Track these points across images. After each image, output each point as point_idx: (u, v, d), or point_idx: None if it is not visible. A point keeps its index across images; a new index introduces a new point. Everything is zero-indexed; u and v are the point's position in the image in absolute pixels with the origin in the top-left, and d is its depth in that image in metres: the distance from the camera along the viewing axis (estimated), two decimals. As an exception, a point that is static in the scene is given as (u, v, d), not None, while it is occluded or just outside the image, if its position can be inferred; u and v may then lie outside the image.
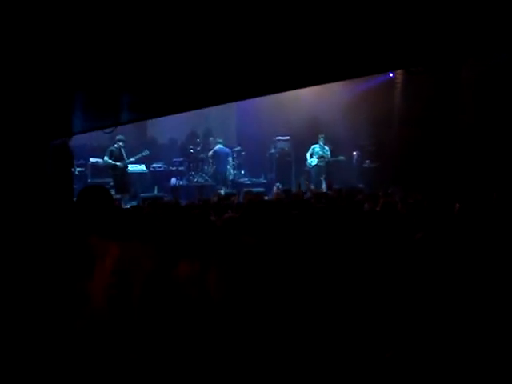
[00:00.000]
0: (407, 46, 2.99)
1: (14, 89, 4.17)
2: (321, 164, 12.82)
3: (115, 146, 11.39)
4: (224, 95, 5.02)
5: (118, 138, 11.28)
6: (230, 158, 13.46)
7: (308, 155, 12.96)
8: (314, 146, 12.93)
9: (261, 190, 12.32)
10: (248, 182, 13.92)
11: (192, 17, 2.44)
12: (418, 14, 2.34)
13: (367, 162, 13.09)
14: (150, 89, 4.51)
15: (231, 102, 7.32)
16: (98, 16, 2.40)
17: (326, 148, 12.89)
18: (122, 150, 11.47)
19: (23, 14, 2.36)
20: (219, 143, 13.29)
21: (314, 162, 12.84)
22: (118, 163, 11.31)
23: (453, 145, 10.34)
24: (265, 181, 14.27)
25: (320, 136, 12.86)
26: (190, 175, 13.53)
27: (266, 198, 9.31)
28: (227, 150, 13.40)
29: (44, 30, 2.59)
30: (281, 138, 14.23)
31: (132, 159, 11.77)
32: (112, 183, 11.31)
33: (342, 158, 12.94)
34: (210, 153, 13.33)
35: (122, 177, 11.39)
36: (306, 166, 13.10)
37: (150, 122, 13.57)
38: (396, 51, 3.14)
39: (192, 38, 2.78)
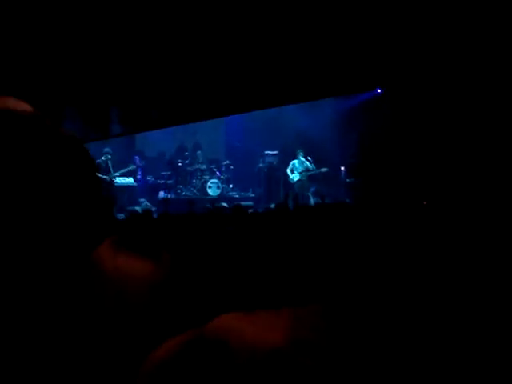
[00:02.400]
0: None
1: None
2: (303, 178, 12.69)
3: (102, 158, 11.27)
4: (213, 110, 5.02)
5: (105, 150, 11.19)
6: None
7: (289, 171, 12.82)
8: (293, 161, 12.82)
9: (249, 203, 12.26)
10: (236, 196, 13.86)
11: (183, 31, 2.42)
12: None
13: (352, 178, 13.00)
14: (139, 102, 4.48)
15: (220, 116, 7.31)
16: (87, 29, 2.37)
17: (306, 162, 12.74)
18: (109, 162, 11.35)
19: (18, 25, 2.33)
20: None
21: (296, 177, 12.73)
22: (104, 176, 11.20)
23: (440, 161, 10.39)
24: (253, 195, 14.21)
25: (298, 151, 12.74)
26: (178, 189, 13.45)
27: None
28: None
29: (33, 39, 2.55)
30: (269, 152, 14.19)
31: (117, 174, 11.65)
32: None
33: (324, 169, 12.60)
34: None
35: (108, 190, 11.27)
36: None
37: (138, 134, 13.48)
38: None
39: (184, 52, 2.76)
